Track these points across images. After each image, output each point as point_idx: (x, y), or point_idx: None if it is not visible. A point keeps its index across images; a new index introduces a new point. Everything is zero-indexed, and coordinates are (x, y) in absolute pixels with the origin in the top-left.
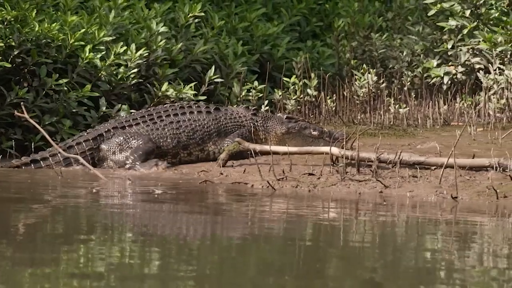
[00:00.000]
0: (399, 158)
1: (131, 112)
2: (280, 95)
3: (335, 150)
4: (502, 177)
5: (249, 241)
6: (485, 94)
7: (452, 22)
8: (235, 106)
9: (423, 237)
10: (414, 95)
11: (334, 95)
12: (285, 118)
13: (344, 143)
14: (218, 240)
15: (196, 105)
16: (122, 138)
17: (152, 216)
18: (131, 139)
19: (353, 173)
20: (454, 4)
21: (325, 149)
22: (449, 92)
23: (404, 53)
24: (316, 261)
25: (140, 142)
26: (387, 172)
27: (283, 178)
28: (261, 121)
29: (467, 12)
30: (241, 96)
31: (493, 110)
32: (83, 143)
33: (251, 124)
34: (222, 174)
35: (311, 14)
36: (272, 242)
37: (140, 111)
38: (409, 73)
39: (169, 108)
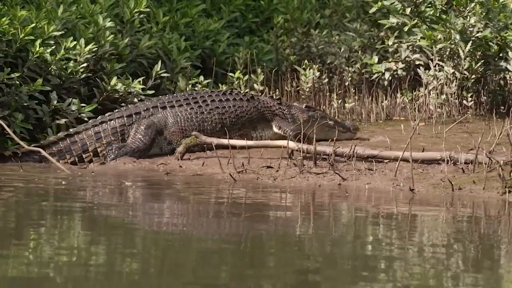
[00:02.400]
0: (354, 151)
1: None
2: (181, 93)
3: (292, 144)
4: (454, 169)
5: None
6: (425, 89)
7: (393, 20)
8: (262, 95)
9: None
10: (353, 91)
11: (277, 90)
12: (305, 107)
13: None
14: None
15: (235, 92)
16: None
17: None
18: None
19: (310, 166)
20: (394, 2)
21: (283, 142)
22: (389, 88)
23: (342, 49)
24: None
25: (139, 142)
26: (342, 165)
27: (242, 171)
28: (286, 110)
29: (408, 10)
30: (186, 90)
31: (434, 105)
32: (116, 120)
33: (281, 112)
34: (181, 166)
35: (247, 10)
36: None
37: (181, 93)
38: (350, 68)
39: (211, 93)
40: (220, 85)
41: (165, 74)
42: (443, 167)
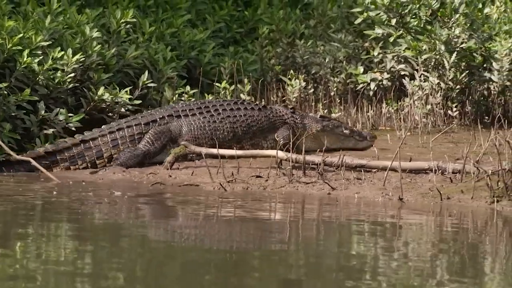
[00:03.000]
0: (342, 161)
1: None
2: (193, 101)
3: (281, 153)
4: (442, 179)
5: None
6: (410, 99)
7: (379, 30)
8: (276, 105)
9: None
10: (339, 101)
11: (263, 100)
12: (319, 117)
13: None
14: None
15: (247, 102)
16: (154, 133)
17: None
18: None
19: (299, 176)
20: (380, 13)
21: (272, 152)
22: (373, 98)
23: (327, 60)
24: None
25: (149, 145)
26: (331, 174)
27: (232, 180)
28: (299, 119)
29: (393, 21)
30: (173, 100)
31: (419, 115)
32: (134, 126)
33: (292, 122)
34: (170, 176)
35: (232, 20)
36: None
37: (194, 101)
38: (335, 79)
39: (223, 103)
40: (206, 95)
41: (152, 84)
42: (431, 176)
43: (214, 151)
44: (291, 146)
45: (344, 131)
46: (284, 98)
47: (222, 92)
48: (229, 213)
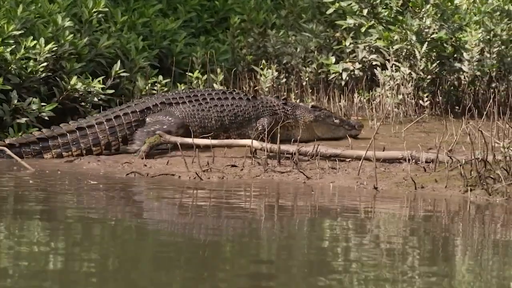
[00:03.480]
0: (316, 150)
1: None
2: (183, 90)
3: (256, 143)
4: (415, 168)
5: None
6: (382, 89)
7: (350, 21)
8: (268, 95)
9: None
10: (310, 90)
11: (235, 89)
12: (311, 107)
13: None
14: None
15: (236, 92)
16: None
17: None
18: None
19: (274, 165)
20: (351, 3)
21: (247, 142)
22: (345, 88)
23: (298, 50)
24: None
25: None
26: (306, 164)
27: (207, 169)
28: (291, 110)
29: (365, 11)
30: (145, 90)
31: (391, 105)
32: (130, 114)
33: (283, 112)
34: (145, 165)
35: (202, 10)
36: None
37: (183, 90)
38: (307, 69)
39: (212, 92)
40: (178, 84)
41: (124, 74)
42: (405, 166)
43: (189, 140)
44: (266, 135)
45: (335, 120)
46: (256, 88)
47: (195, 82)
48: (205, 201)
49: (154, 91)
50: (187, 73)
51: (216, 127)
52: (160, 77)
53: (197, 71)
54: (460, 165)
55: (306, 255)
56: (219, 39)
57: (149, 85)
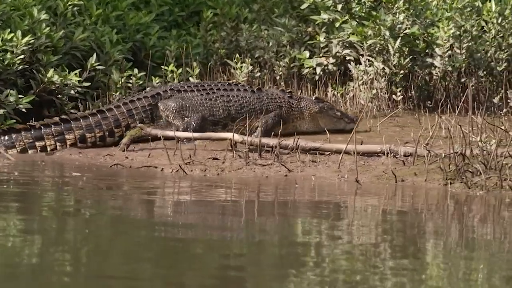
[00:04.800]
0: (297, 144)
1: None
2: (157, 83)
3: (237, 136)
4: (394, 162)
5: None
6: (356, 84)
7: (324, 16)
8: (274, 88)
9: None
10: (283, 84)
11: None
12: (314, 99)
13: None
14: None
15: (241, 84)
16: (178, 103)
17: None
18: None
19: (255, 158)
20: None
21: (228, 135)
22: (318, 82)
23: (271, 44)
24: None
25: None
26: (286, 157)
27: (189, 162)
28: (295, 103)
29: (339, 6)
30: (121, 83)
31: (364, 99)
32: (143, 99)
33: (288, 105)
34: (127, 158)
35: (174, 4)
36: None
37: (191, 81)
38: (280, 63)
39: (218, 84)
40: (153, 78)
41: (100, 67)
42: (383, 159)
43: (170, 133)
44: (269, 131)
45: (336, 112)
46: (230, 82)
47: (170, 76)
48: (186, 194)
49: (129, 84)
50: (162, 66)
51: (224, 115)
52: (136, 71)
53: (172, 64)
54: (441, 159)
55: (283, 247)
56: (191, 33)
57: (124, 78)
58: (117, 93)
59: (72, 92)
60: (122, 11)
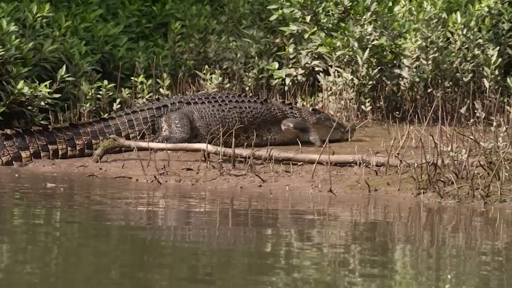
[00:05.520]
0: (270, 154)
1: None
2: (127, 94)
3: (210, 147)
4: (367, 171)
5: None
6: (325, 95)
7: (293, 27)
8: (273, 99)
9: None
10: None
11: (179, 94)
12: (311, 110)
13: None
14: None
15: (250, 95)
16: (177, 117)
17: None
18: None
19: (229, 169)
20: (294, 10)
21: (201, 146)
22: (288, 93)
23: (239, 55)
24: None
25: (180, 132)
26: (260, 167)
27: (164, 173)
28: (297, 113)
29: (308, 18)
30: (90, 94)
31: (333, 110)
32: (147, 110)
33: (292, 116)
34: (101, 169)
35: (141, 15)
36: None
37: (201, 92)
38: (249, 74)
39: (228, 95)
40: (123, 89)
41: (70, 78)
42: (356, 169)
43: (144, 144)
44: (324, 145)
45: (332, 123)
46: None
47: (139, 87)
48: (161, 204)
49: (99, 96)
50: (131, 77)
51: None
52: (105, 82)
53: (142, 76)
54: (414, 169)
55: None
56: (158, 44)
57: (94, 89)
58: (88, 105)
59: (42, 103)
60: (90, 23)
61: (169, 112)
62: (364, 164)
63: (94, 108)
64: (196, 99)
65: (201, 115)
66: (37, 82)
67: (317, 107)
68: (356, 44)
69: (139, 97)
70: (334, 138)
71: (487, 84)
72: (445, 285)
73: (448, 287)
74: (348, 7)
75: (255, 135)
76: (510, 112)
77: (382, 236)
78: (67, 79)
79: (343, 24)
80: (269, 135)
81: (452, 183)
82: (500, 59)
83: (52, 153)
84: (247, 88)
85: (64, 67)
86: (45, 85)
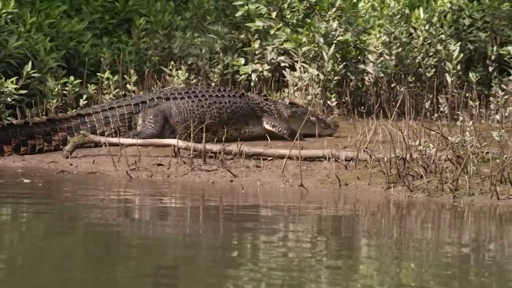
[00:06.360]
0: (240, 150)
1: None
2: (93, 90)
3: (181, 143)
4: (336, 166)
5: None
6: (291, 90)
7: (259, 23)
8: (249, 92)
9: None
10: None
11: (145, 90)
12: (288, 103)
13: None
14: None
15: (228, 89)
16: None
17: None
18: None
19: (200, 164)
20: (260, 6)
21: (172, 141)
22: (254, 89)
23: (203, 51)
24: None
25: (151, 128)
26: (230, 162)
27: (135, 168)
28: (272, 105)
29: (273, 14)
30: (56, 90)
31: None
32: (124, 106)
33: (268, 108)
34: (72, 164)
35: (104, 11)
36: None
37: (180, 87)
38: (216, 70)
39: (208, 89)
40: (89, 85)
41: (36, 74)
42: (325, 164)
43: (114, 140)
44: (298, 136)
45: (311, 118)
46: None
47: (106, 83)
48: (132, 199)
49: (65, 92)
50: (97, 73)
51: (216, 122)
52: (72, 78)
53: (108, 72)
54: (384, 163)
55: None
56: (122, 40)
57: (60, 85)
58: (54, 101)
59: (9, 99)
60: (55, 19)
61: (147, 108)
62: (334, 158)
63: (60, 104)
64: (176, 94)
65: (179, 111)
66: (3, 78)
67: (295, 101)
68: (321, 40)
69: (106, 93)
70: (313, 133)
71: (449, 79)
72: (408, 276)
73: (411, 278)
74: (313, 3)
75: (233, 130)
76: (473, 107)
77: (354, 230)
78: (33, 75)
79: (308, 20)
80: (247, 129)
81: (421, 177)
82: (461, 55)
83: (30, 148)
84: (213, 84)
85: (30, 63)
86: (11, 81)
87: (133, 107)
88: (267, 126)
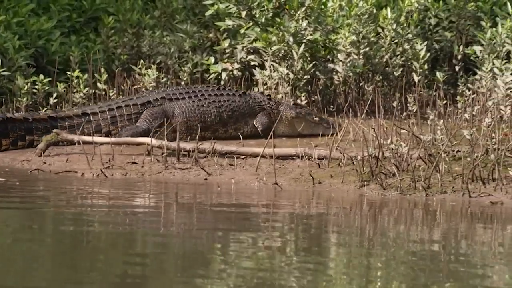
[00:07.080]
0: (213, 148)
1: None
2: (63, 89)
3: (155, 141)
4: (309, 164)
5: None
6: (261, 89)
7: (229, 22)
8: (253, 91)
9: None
10: None
11: (115, 89)
12: (292, 104)
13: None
14: None
15: (228, 88)
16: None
17: None
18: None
19: (173, 162)
20: (229, 6)
21: (146, 140)
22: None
23: (172, 50)
24: None
25: (147, 123)
26: (204, 161)
27: (109, 166)
28: (274, 105)
29: (243, 13)
30: (26, 89)
31: None
32: (131, 106)
33: (269, 107)
34: (45, 163)
35: (71, 10)
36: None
37: (181, 87)
38: (185, 68)
39: (207, 88)
40: (59, 84)
41: (5, 73)
42: (299, 162)
43: (88, 138)
44: (272, 132)
45: (315, 118)
46: (135, 88)
47: (75, 81)
48: (105, 199)
49: (35, 90)
50: (66, 72)
51: (215, 121)
52: (41, 76)
53: (77, 70)
54: (357, 162)
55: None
56: (90, 39)
57: (30, 84)
58: (24, 99)
59: None
60: (23, 17)
61: (151, 108)
62: (307, 157)
63: (30, 102)
64: (178, 95)
65: (181, 111)
66: None
67: (298, 101)
68: (291, 39)
69: (75, 92)
70: (316, 132)
71: (416, 78)
72: (376, 273)
73: (378, 275)
74: (283, 3)
75: (233, 129)
76: (441, 106)
77: (327, 227)
78: (2, 73)
79: (278, 19)
80: (247, 128)
81: (394, 175)
82: (428, 54)
83: (28, 143)
84: (182, 83)
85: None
86: None
87: (140, 106)
88: (254, 122)
